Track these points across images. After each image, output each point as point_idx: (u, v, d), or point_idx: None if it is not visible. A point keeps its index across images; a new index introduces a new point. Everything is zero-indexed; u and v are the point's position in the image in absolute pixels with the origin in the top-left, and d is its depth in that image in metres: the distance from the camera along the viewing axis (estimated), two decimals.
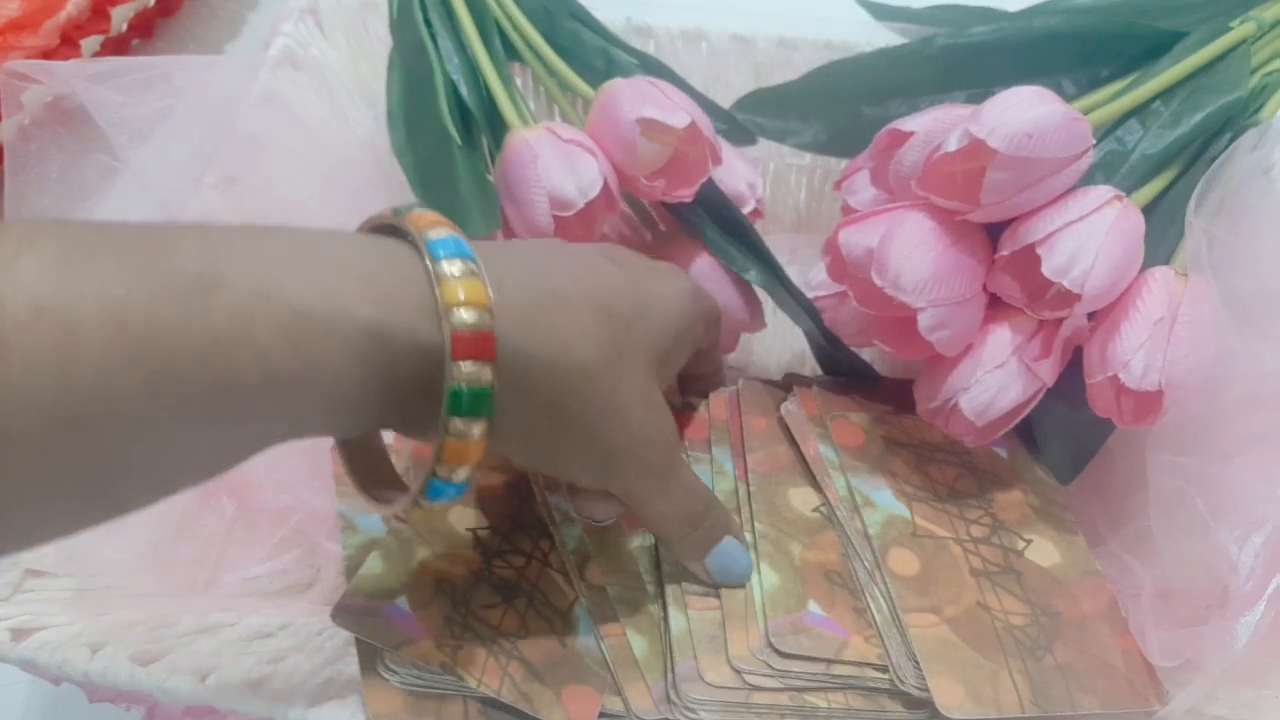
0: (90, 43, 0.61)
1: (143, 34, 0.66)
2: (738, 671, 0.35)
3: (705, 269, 0.44)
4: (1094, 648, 0.37)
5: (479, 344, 0.28)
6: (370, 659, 0.34)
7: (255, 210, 0.47)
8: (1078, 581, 0.39)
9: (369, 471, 0.34)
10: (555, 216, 0.40)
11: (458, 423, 0.28)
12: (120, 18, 0.62)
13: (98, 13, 0.61)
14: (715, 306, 0.40)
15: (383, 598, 0.35)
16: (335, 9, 0.54)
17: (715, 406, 0.43)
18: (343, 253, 0.28)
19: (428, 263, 0.28)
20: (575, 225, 0.41)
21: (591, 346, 0.31)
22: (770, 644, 0.35)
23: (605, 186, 0.40)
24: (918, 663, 0.35)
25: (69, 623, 0.35)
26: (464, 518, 0.39)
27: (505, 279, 0.29)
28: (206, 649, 0.35)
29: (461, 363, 0.27)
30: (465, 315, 0.27)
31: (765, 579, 0.37)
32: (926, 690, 0.34)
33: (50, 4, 0.58)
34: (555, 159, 0.40)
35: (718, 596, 0.37)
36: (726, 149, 0.46)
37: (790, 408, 0.43)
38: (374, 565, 0.36)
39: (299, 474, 0.41)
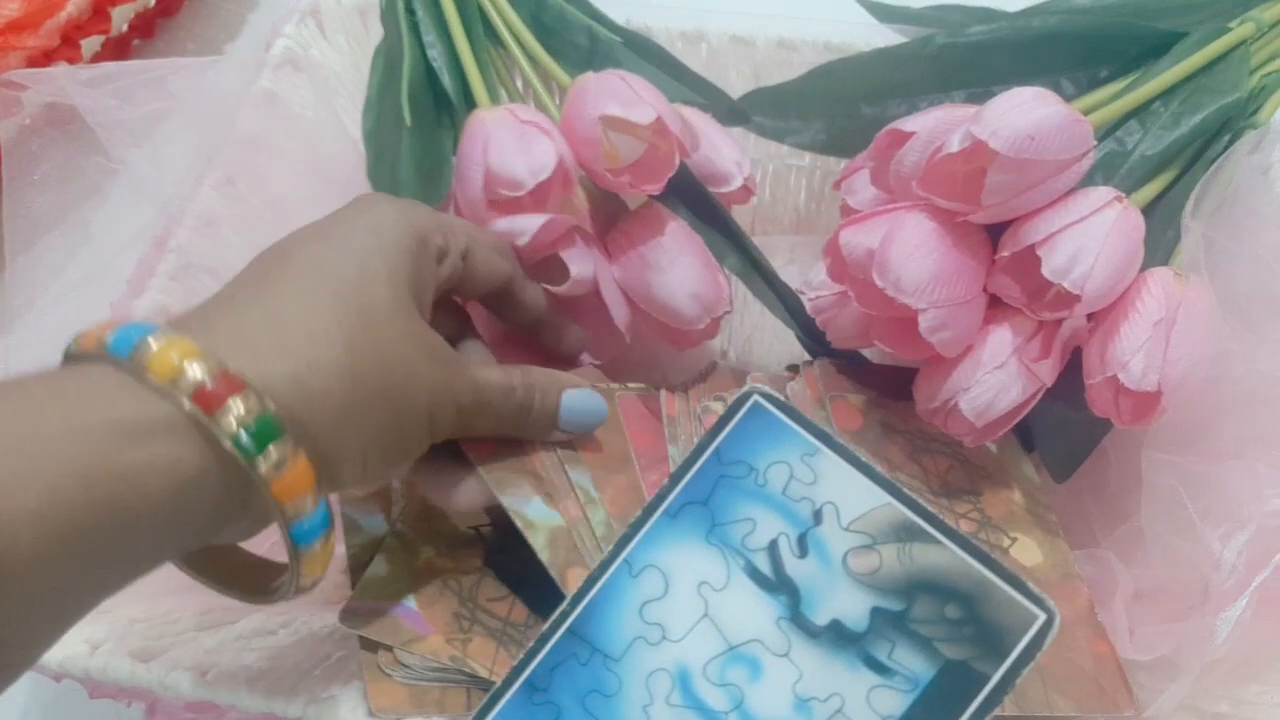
0: (91, 43, 0.61)
1: (143, 34, 0.66)
2: None
3: (673, 237, 0.43)
4: (1069, 651, 0.37)
5: (221, 388, 0.26)
6: (372, 653, 0.34)
7: (254, 210, 0.47)
8: (1058, 584, 0.39)
9: (240, 574, 0.32)
10: (505, 196, 0.40)
11: (262, 463, 0.27)
12: (121, 18, 0.62)
13: (98, 13, 0.61)
14: (454, 223, 0.37)
15: (390, 598, 0.36)
16: (336, 10, 0.54)
17: None
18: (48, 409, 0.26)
19: (119, 359, 0.27)
20: (529, 206, 0.41)
21: (339, 347, 0.30)
22: None
23: (560, 168, 0.40)
24: None
25: None
26: (466, 517, 0.39)
27: (218, 323, 0.29)
28: (207, 645, 0.36)
29: (219, 414, 0.26)
30: (191, 371, 0.26)
31: None
32: None
33: (51, 4, 0.58)
34: (510, 139, 0.40)
35: None
36: (714, 130, 0.46)
37: (795, 387, 0.43)
38: (379, 568, 0.37)
39: None
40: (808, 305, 0.44)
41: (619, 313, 0.43)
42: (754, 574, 0.33)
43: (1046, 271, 0.36)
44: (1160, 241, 0.40)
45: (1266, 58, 0.43)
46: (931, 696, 0.30)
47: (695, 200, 0.45)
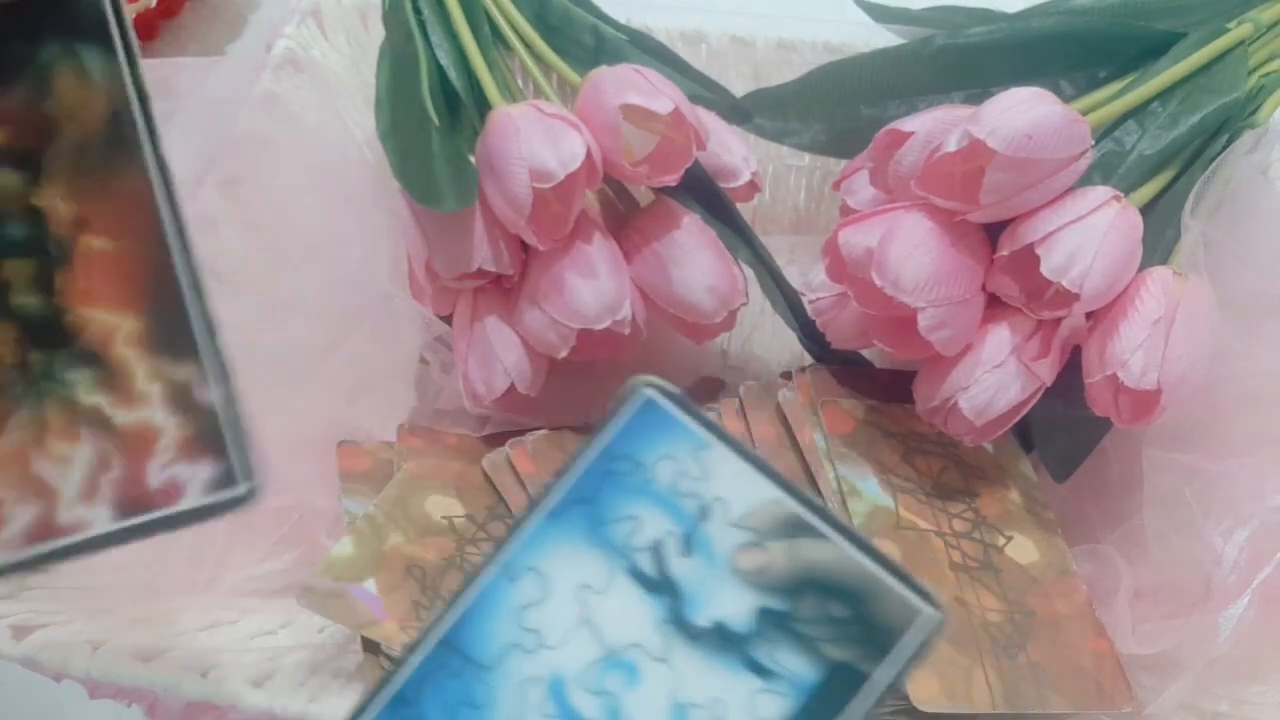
0: None
1: (145, 35, 0.66)
2: None
3: (688, 231, 0.43)
4: (1066, 648, 0.37)
5: None
6: (375, 655, 0.34)
7: (255, 210, 0.47)
8: (1054, 581, 0.39)
9: None
10: (534, 189, 0.39)
11: None
12: None
13: None
14: None
15: (351, 579, 0.35)
16: (337, 11, 0.54)
17: (726, 418, 0.43)
18: None
19: None
20: (553, 199, 0.40)
21: None
22: None
23: (588, 159, 0.40)
24: None
25: (70, 620, 0.35)
26: (440, 505, 0.39)
27: None
28: (208, 646, 0.36)
29: None
30: None
31: None
32: None
33: None
34: (537, 132, 0.40)
35: None
36: (721, 126, 0.46)
37: (788, 395, 0.43)
38: (345, 547, 0.36)
39: (300, 472, 0.41)
40: (808, 307, 0.44)
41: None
42: (636, 574, 0.30)
43: (1045, 270, 0.36)
44: (1159, 241, 0.40)
45: (1265, 58, 0.43)
46: (816, 700, 0.28)
47: (706, 195, 0.45)
